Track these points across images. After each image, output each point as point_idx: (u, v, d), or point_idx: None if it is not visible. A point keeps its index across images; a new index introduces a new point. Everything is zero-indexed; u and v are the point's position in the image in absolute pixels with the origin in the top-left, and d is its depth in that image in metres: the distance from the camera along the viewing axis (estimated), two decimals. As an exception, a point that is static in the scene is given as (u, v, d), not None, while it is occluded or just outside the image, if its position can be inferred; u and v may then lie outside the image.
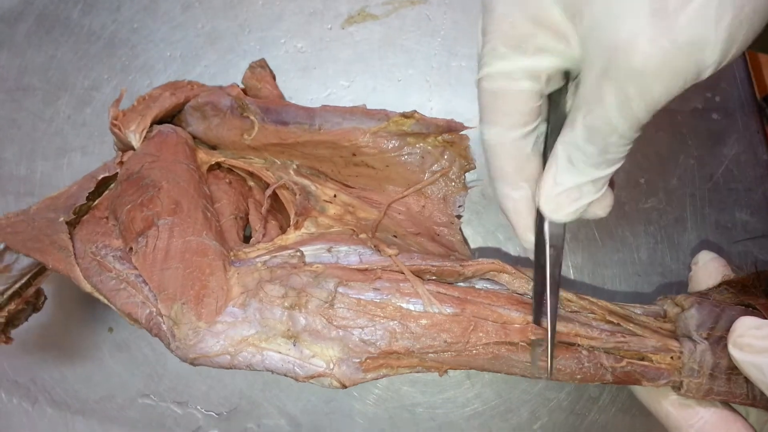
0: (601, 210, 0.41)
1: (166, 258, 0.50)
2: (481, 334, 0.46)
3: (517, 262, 0.64)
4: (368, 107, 0.58)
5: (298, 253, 0.50)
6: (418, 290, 0.46)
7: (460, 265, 0.49)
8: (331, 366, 0.47)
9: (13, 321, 0.59)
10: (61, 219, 0.54)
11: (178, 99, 0.62)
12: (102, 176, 0.56)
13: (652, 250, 0.61)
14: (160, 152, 0.56)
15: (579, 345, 0.44)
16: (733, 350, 0.41)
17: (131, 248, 0.51)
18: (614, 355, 0.44)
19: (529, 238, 0.42)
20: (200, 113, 0.61)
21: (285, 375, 0.48)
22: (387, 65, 0.69)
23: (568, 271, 0.64)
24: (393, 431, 0.64)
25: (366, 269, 0.49)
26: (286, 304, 0.48)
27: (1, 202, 0.66)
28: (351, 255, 0.50)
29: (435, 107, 0.68)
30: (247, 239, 0.59)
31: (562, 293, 0.48)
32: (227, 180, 0.60)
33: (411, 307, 0.47)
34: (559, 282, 0.42)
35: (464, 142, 0.56)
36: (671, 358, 0.44)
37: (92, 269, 0.52)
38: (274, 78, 0.68)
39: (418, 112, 0.54)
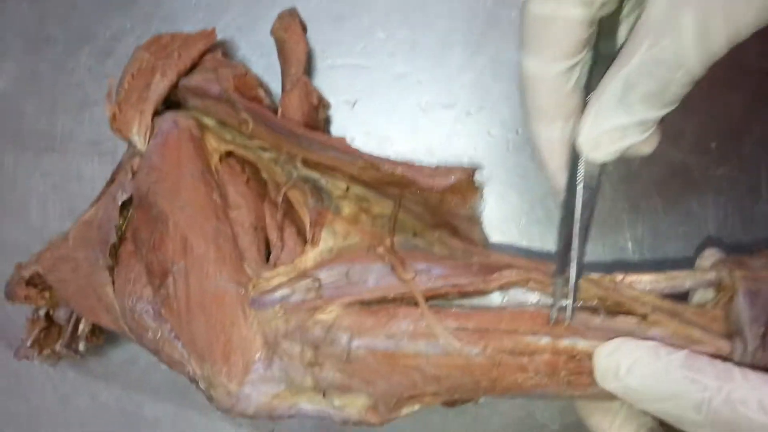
0: (647, 146, 0.40)
1: (188, 310, 0.53)
2: (506, 371, 0.48)
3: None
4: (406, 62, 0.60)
5: (316, 285, 0.52)
6: (435, 330, 0.47)
7: (483, 281, 0.50)
8: (363, 413, 0.51)
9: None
10: (101, 262, 0.57)
11: (171, 80, 0.62)
12: (122, 201, 0.59)
13: (722, 222, 0.60)
14: (164, 163, 0.58)
15: None
16: None
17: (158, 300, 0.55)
18: None
19: (561, 181, 0.42)
20: (193, 93, 0.62)
21: (326, 420, 0.52)
22: (428, 16, 0.67)
23: (626, 244, 0.63)
24: (433, 410, 0.63)
25: (378, 309, 0.50)
26: (305, 362, 0.51)
27: (21, 158, 0.68)
28: (369, 279, 0.52)
29: (480, 61, 0.66)
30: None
31: (595, 279, 0.48)
32: (245, 178, 0.61)
33: (429, 351, 0.49)
34: (589, 229, 0.42)
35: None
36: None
37: (134, 329, 0.56)
38: (305, 29, 0.67)
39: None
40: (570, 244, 0.43)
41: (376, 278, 0.52)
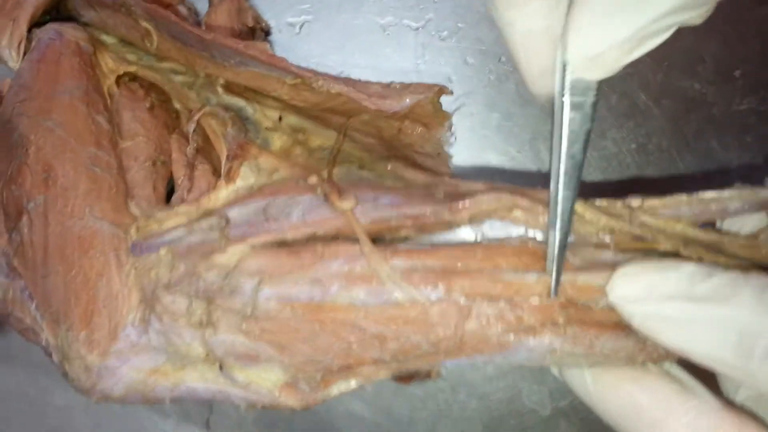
0: (699, 17, 0.33)
1: (45, 259, 0.45)
2: (480, 322, 0.37)
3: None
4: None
5: (222, 223, 0.43)
6: (379, 271, 0.38)
7: (450, 210, 0.39)
8: (276, 393, 0.41)
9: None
10: None
11: None
12: None
13: (747, 167, 0.56)
14: (37, 79, 0.50)
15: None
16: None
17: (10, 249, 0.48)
18: None
19: (544, 88, 0.34)
20: (85, 1, 0.53)
21: (224, 403, 0.44)
22: None
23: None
24: (394, 392, 0.60)
25: (301, 249, 0.41)
26: (193, 321, 0.41)
27: None
28: (292, 213, 0.42)
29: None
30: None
31: (602, 206, 0.38)
32: (148, 103, 0.53)
33: (370, 300, 0.38)
34: (582, 165, 0.34)
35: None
36: None
37: None
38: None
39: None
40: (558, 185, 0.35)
41: (302, 211, 0.42)
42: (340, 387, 0.41)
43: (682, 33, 0.58)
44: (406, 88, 0.43)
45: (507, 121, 0.59)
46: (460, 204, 0.39)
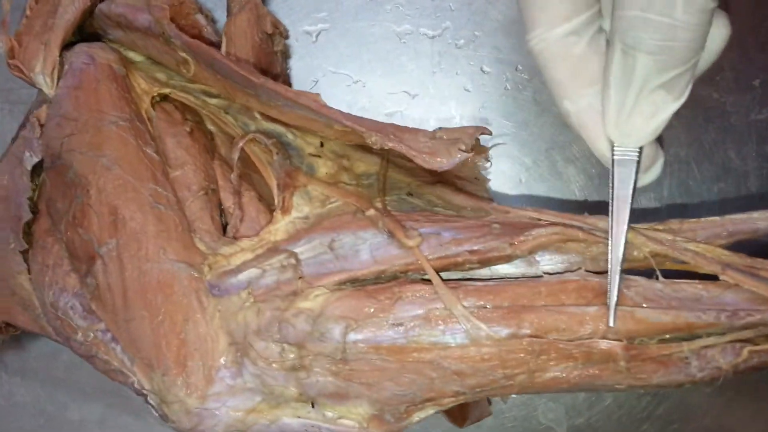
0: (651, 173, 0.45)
1: (126, 303, 0.47)
2: (550, 359, 0.43)
3: (584, 206, 0.61)
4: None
5: (292, 261, 0.47)
6: (454, 311, 0.42)
7: (511, 246, 0.45)
8: (365, 425, 0.45)
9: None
10: (12, 245, 0.52)
11: (84, 4, 0.55)
12: (32, 165, 0.53)
13: (766, 177, 0.57)
14: (78, 110, 0.51)
15: (681, 353, 0.41)
16: None
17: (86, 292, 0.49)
18: (734, 346, 0.41)
19: (606, 152, 0.42)
20: (114, 23, 0.55)
21: None
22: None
23: (649, 204, 0.61)
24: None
25: (377, 290, 0.45)
26: (286, 366, 0.45)
27: None
28: (361, 251, 0.46)
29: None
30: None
31: (646, 231, 0.45)
32: (188, 127, 0.55)
33: (449, 340, 0.43)
34: (631, 208, 0.43)
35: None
36: None
37: (60, 329, 0.50)
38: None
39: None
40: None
41: (369, 249, 0.46)
42: (420, 415, 0.46)
43: (701, 43, 0.60)
44: (453, 139, 0.45)
45: (523, 131, 0.61)
46: (521, 238, 0.44)
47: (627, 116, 0.39)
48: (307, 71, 0.63)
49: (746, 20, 0.58)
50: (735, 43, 0.56)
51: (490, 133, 0.46)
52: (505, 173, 0.61)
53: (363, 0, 0.62)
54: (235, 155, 0.52)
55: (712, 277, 0.43)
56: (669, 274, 0.44)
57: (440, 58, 0.62)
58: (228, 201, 0.53)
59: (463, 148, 0.45)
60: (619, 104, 0.39)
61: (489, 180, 0.52)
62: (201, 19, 0.58)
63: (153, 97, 0.55)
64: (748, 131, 0.59)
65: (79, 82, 0.52)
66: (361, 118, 0.48)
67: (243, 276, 0.48)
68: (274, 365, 0.45)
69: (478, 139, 0.48)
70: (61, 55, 0.54)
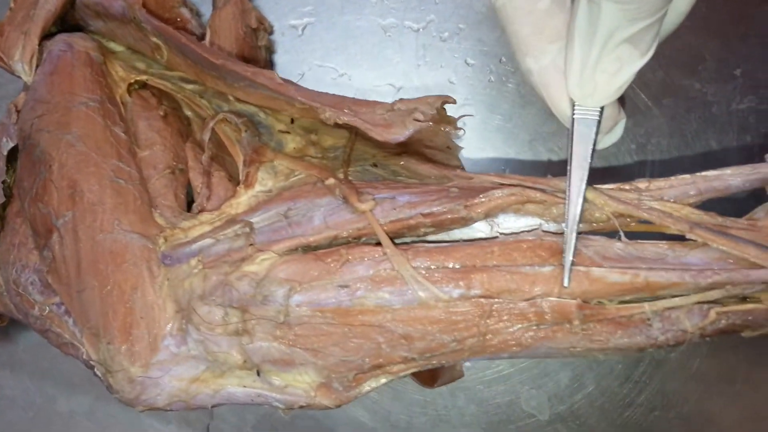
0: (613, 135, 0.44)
1: (79, 274, 0.47)
2: (501, 320, 0.41)
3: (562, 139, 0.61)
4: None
5: (246, 230, 0.45)
6: (402, 272, 0.41)
7: (465, 207, 0.42)
8: (312, 394, 0.44)
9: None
10: None
11: None
12: (7, 150, 0.53)
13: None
14: (52, 93, 0.52)
15: (642, 313, 0.39)
16: None
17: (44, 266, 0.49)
18: (701, 307, 0.39)
19: (567, 112, 0.41)
20: (93, 12, 0.55)
21: (263, 405, 0.46)
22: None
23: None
24: (393, 397, 0.62)
25: (327, 253, 0.43)
26: (229, 330, 0.44)
27: None
28: (314, 217, 0.45)
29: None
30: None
31: (611, 191, 0.42)
32: (161, 111, 0.55)
33: (396, 301, 0.41)
34: (589, 166, 0.41)
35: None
36: None
37: (19, 305, 0.50)
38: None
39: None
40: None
41: (323, 214, 0.45)
42: (371, 384, 0.44)
43: (682, 32, 0.60)
44: (410, 110, 0.45)
45: (507, 123, 0.60)
46: (476, 200, 0.42)
47: (590, 73, 0.38)
48: (293, 65, 0.62)
49: (727, 11, 0.57)
50: (716, 33, 0.57)
51: (454, 102, 0.45)
52: (489, 165, 0.61)
53: None
54: (206, 135, 0.52)
55: (681, 239, 0.40)
56: (636, 237, 0.41)
57: (425, 50, 0.61)
58: (197, 181, 0.52)
59: (421, 117, 0.43)
60: (582, 60, 0.38)
61: (461, 148, 0.51)
62: (185, 12, 0.58)
63: (130, 84, 0.55)
64: (729, 121, 0.58)
65: (55, 67, 0.52)
66: (320, 93, 0.48)
67: (196, 246, 0.46)
68: (217, 330, 0.44)
69: (444, 109, 0.47)
70: (41, 44, 0.54)
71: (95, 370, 0.46)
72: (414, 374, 0.46)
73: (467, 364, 0.60)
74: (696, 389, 0.59)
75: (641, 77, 0.57)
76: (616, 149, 0.59)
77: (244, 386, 0.44)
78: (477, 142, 0.61)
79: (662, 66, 0.59)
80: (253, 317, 0.43)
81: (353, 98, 0.47)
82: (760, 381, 0.58)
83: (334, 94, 0.47)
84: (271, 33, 0.63)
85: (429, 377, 0.51)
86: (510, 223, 0.43)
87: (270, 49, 0.62)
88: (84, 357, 0.47)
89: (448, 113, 0.59)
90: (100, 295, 0.45)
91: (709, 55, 0.58)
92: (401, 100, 0.45)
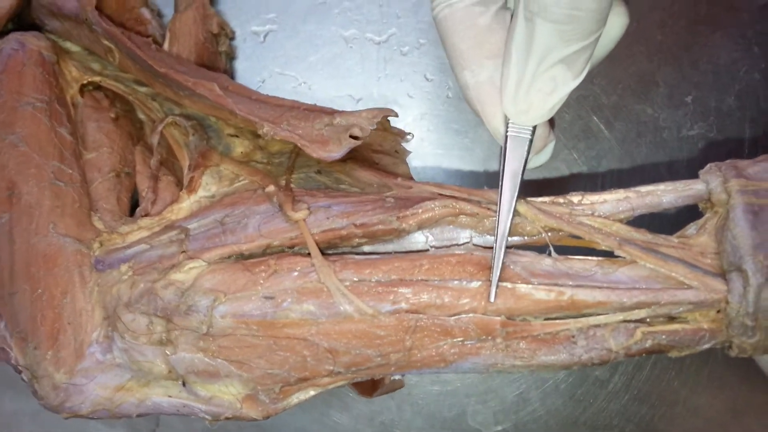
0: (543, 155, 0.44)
1: (12, 277, 0.46)
2: (426, 335, 0.40)
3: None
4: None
5: (181, 236, 0.44)
6: (328, 285, 0.40)
7: (398, 218, 0.42)
8: (238, 405, 0.43)
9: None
10: None
11: None
12: None
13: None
14: (0, 91, 0.50)
15: (567, 331, 0.39)
16: None
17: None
18: (627, 326, 0.38)
19: (501, 129, 0.41)
20: (48, 12, 0.54)
21: (190, 416, 0.45)
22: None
23: None
24: (340, 408, 0.62)
25: (256, 263, 0.42)
26: (153, 339, 0.43)
27: None
28: (249, 225, 0.43)
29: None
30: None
31: (543, 204, 0.42)
32: (113, 113, 0.54)
33: (321, 314, 0.40)
34: (520, 184, 0.41)
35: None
36: (717, 311, 0.37)
37: None
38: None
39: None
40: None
41: (258, 222, 0.44)
42: (299, 396, 0.43)
43: (636, 57, 0.60)
44: (348, 125, 0.44)
45: (463, 138, 0.60)
46: (408, 212, 0.41)
47: (525, 91, 0.38)
48: (254, 71, 0.62)
49: (681, 38, 0.58)
50: (670, 60, 0.58)
51: (396, 115, 0.44)
52: (444, 182, 0.60)
53: (311, 3, 0.61)
54: (155, 138, 0.51)
55: (611, 255, 0.40)
56: (569, 251, 0.41)
57: (385, 63, 0.61)
58: (144, 185, 0.52)
59: (358, 133, 0.43)
60: (518, 77, 0.38)
61: (409, 152, 0.51)
62: (146, 12, 0.58)
63: (83, 85, 0.54)
64: (680, 146, 0.59)
65: (5, 66, 0.51)
66: (261, 104, 0.47)
67: (131, 251, 0.45)
68: (141, 339, 0.43)
69: (388, 121, 0.47)
70: (-7, 43, 0.53)
71: (22, 375, 0.45)
72: (352, 385, 0.45)
73: (412, 378, 0.60)
74: (638, 410, 0.59)
75: (594, 100, 0.59)
76: (568, 171, 0.60)
77: (170, 396, 0.43)
78: (432, 158, 0.61)
79: (616, 90, 0.59)
80: (176, 327, 0.42)
81: (295, 110, 0.46)
82: (700, 405, 0.59)
83: (274, 104, 0.47)
84: (232, 39, 0.62)
85: (368, 387, 0.50)
86: (447, 233, 0.42)
87: (230, 55, 0.62)
88: (13, 361, 0.45)
89: (407, 126, 0.60)
90: (31, 298, 0.45)
91: (662, 81, 0.59)
92: (342, 112, 0.44)
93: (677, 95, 0.59)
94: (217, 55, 0.59)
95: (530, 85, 0.38)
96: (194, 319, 0.41)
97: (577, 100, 0.59)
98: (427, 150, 0.61)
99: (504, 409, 0.60)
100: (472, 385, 0.60)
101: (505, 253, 0.39)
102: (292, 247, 0.43)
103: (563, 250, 0.41)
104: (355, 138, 0.42)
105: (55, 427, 0.64)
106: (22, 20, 0.56)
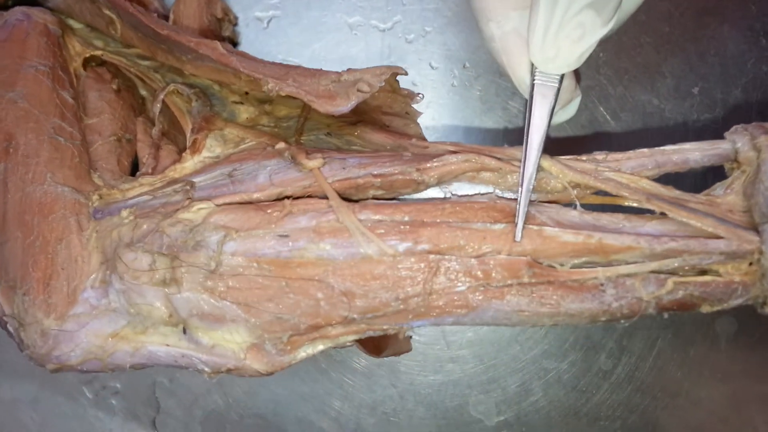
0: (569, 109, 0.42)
1: (4, 225, 0.43)
2: (448, 278, 0.38)
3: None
4: None
5: (187, 187, 0.42)
6: (347, 224, 0.38)
7: (417, 169, 0.40)
8: (242, 356, 0.40)
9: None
10: None
11: None
12: None
13: (701, 180, 0.54)
14: (2, 57, 0.49)
15: (596, 279, 0.37)
16: None
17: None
18: (657, 276, 0.37)
19: (526, 79, 0.40)
20: None
21: (186, 369, 0.42)
22: None
23: None
24: (342, 397, 0.61)
25: (269, 205, 0.40)
26: (155, 279, 0.40)
27: None
28: (259, 175, 0.42)
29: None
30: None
31: (568, 161, 0.40)
32: (114, 85, 0.53)
33: (338, 253, 0.38)
34: (545, 134, 0.39)
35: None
36: (749, 264, 0.36)
37: None
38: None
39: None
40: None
41: (268, 173, 0.42)
42: (307, 350, 0.40)
43: (643, 48, 0.60)
44: (355, 80, 0.42)
45: (468, 127, 0.60)
46: (429, 164, 0.40)
47: (553, 37, 0.37)
48: (255, 56, 0.61)
49: (688, 29, 0.57)
50: (677, 51, 0.57)
51: (405, 73, 0.43)
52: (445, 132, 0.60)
53: None
54: (157, 106, 0.50)
55: (637, 213, 0.39)
56: (592, 209, 0.40)
57: (390, 51, 0.60)
58: (144, 152, 0.51)
59: (366, 89, 0.41)
60: (545, 23, 0.37)
61: (420, 113, 0.49)
62: (150, -9, 0.57)
63: (86, 59, 0.53)
64: (686, 138, 0.56)
65: (9, 34, 0.50)
66: (266, 63, 0.46)
67: (132, 201, 0.44)
68: (142, 279, 0.40)
69: (397, 81, 0.45)
70: (-4, 13, 0.52)
71: (8, 326, 0.43)
72: (360, 343, 0.43)
73: (414, 367, 0.60)
74: (641, 401, 0.58)
75: (600, 90, 0.58)
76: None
77: (167, 345, 0.41)
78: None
79: (622, 81, 0.58)
80: (182, 264, 0.39)
81: (301, 68, 0.45)
82: (702, 398, 0.58)
83: (281, 64, 0.45)
84: (235, 24, 0.61)
85: (374, 347, 0.47)
86: (464, 191, 0.41)
87: (233, 41, 0.61)
88: None
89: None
90: (23, 246, 0.42)
91: (669, 72, 0.58)
92: (349, 70, 0.43)
93: (684, 86, 0.58)
94: (220, 39, 0.57)
95: (558, 31, 0.37)
96: (202, 255, 0.39)
97: (583, 90, 0.57)
98: (432, 138, 0.59)
99: (506, 400, 0.59)
100: (475, 375, 0.59)
101: (530, 203, 0.38)
102: (303, 196, 0.41)
103: (588, 209, 0.40)
104: (363, 92, 0.41)
105: (54, 416, 0.62)
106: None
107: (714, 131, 0.58)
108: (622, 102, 0.59)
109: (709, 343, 0.58)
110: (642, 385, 0.59)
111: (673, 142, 0.57)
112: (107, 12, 0.50)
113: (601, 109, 0.59)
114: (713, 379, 0.58)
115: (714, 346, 0.58)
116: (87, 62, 0.53)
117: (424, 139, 0.47)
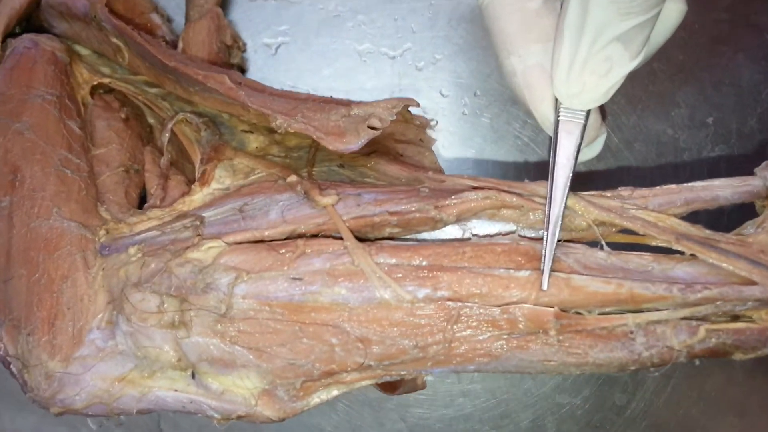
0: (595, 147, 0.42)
1: (8, 262, 0.42)
2: (470, 326, 0.36)
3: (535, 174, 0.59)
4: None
5: (196, 222, 0.41)
6: (363, 267, 0.37)
7: (435, 207, 0.38)
8: (253, 402, 0.38)
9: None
10: None
11: None
12: None
13: (716, 213, 0.53)
14: (10, 85, 0.48)
15: (625, 326, 0.36)
16: None
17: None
18: (689, 323, 0.36)
19: (550, 115, 0.38)
20: (58, 13, 0.52)
21: (196, 415, 0.40)
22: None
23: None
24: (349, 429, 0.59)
25: (282, 245, 0.39)
26: (164, 321, 0.39)
27: None
28: (271, 211, 0.40)
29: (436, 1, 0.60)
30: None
31: (593, 198, 0.39)
32: (123, 114, 0.52)
33: (354, 298, 0.37)
34: (572, 173, 0.38)
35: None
36: None
37: None
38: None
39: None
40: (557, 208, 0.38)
41: (281, 209, 0.40)
42: (321, 396, 0.39)
43: (657, 78, 0.59)
44: (366, 115, 0.41)
45: (479, 155, 0.58)
46: (447, 201, 0.38)
47: (578, 72, 0.36)
48: (265, 84, 0.60)
49: (703, 58, 0.57)
50: (691, 81, 0.57)
51: (418, 105, 0.42)
52: (460, 165, 0.59)
53: (325, 16, 0.59)
54: (165, 136, 0.49)
55: (665, 252, 0.37)
56: (618, 249, 0.38)
57: (400, 79, 0.59)
58: (153, 182, 0.50)
59: (377, 124, 0.40)
60: (571, 57, 0.36)
61: (434, 140, 0.48)
62: (156, 17, 0.57)
63: (94, 87, 0.52)
64: (700, 168, 0.57)
65: (17, 62, 0.50)
66: (274, 97, 0.45)
67: (139, 237, 0.42)
68: (150, 321, 0.39)
69: (409, 112, 0.44)
70: (5, 42, 0.52)
71: (11, 366, 0.42)
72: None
73: (425, 401, 0.58)
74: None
75: (614, 119, 0.57)
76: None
77: (176, 390, 0.39)
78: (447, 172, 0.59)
79: (636, 110, 0.57)
80: (191, 307, 0.38)
81: (310, 101, 0.44)
82: (719, 436, 0.57)
83: (290, 96, 0.45)
84: (244, 51, 0.60)
85: (390, 385, 0.46)
86: (483, 229, 0.40)
87: (242, 68, 0.60)
88: (1, 353, 0.42)
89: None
90: (27, 284, 0.41)
91: (683, 102, 0.57)
92: (359, 103, 0.41)
93: (698, 116, 0.58)
94: (229, 66, 0.57)
95: (584, 65, 0.36)
96: (212, 298, 0.38)
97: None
98: (443, 166, 0.58)
99: (508, 412, 0.58)
100: (487, 409, 0.58)
101: (556, 244, 0.37)
102: (317, 234, 0.40)
103: (613, 248, 0.38)
104: (374, 129, 0.40)
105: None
106: (30, 24, 0.55)
107: (729, 162, 0.57)
108: (635, 132, 0.58)
109: (726, 376, 0.57)
110: (657, 421, 0.57)
111: (687, 174, 0.57)
112: (115, 40, 0.49)
113: (615, 139, 0.58)
114: (730, 415, 0.57)
115: (731, 379, 0.56)
116: (94, 89, 0.53)
117: (440, 170, 0.46)
